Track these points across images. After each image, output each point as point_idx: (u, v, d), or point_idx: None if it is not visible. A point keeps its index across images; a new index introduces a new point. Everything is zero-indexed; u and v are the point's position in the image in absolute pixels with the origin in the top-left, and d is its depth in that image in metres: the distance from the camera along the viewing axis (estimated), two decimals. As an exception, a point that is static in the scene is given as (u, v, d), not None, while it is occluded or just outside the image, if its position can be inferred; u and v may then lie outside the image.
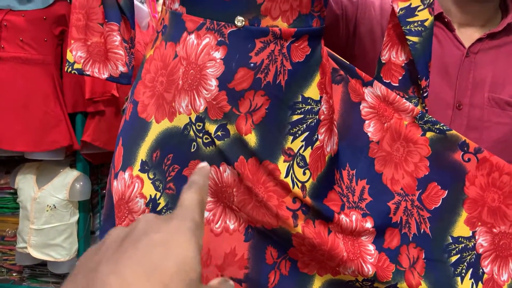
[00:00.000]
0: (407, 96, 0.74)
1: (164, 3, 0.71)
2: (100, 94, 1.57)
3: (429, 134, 0.72)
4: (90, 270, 0.25)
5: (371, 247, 0.70)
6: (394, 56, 0.74)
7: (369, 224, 0.70)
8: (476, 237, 0.71)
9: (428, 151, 0.72)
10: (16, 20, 1.51)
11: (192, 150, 0.66)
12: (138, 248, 0.25)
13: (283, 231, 0.66)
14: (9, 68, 1.51)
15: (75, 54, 0.84)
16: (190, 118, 0.65)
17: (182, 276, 0.24)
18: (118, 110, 1.67)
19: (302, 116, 0.67)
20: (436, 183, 0.72)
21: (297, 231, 0.66)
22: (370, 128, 0.74)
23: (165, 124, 0.67)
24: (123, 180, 0.69)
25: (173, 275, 0.24)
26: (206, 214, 0.67)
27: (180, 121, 0.66)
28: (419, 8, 0.71)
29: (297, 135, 0.67)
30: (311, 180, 0.67)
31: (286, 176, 0.65)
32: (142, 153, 0.68)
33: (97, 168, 1.84)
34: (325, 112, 0.69)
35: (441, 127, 0.71)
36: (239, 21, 0.62)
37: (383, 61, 0.75)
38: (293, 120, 0.67)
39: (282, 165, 0.66)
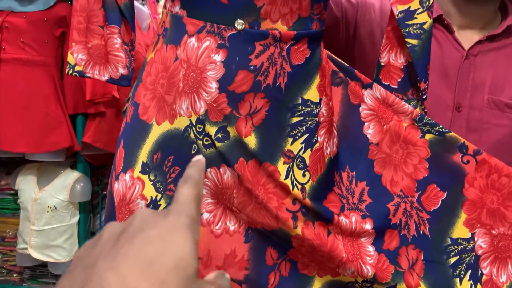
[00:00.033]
0: (406, 98, 0.74)
1: (165, 6, 0.71)
2: (100, 96, 1.57)
3: (428, 136, 0.72)
4: (87, 266, 0.25)
5: (371, 248, 0.71)
6: (393, 59, 0.74)
7: (368, 226, 0.71)
8: (475, 239, 0.72)
9: (427, 153, 0.72)
10: (17, 22, 1.51)
11: (193, 152, 0.67)
12: (135, 244, 0.25)
13: (283, 232, 0.67)
14: (10, 69, 1.52)
15: (76, 57, 0.84)
16: (190, 120, 0.66)
17: (179, 272, 0.24)
18: (118, 111, 1.67)
19: (301, 118, 0.67)
20: (435, 185, 0.72)
21: (296, 233, 0.66)
22: (370, 130, 0.75)
23: (166, 126, 0.67)
24: (124, 181, 0.69)
25: (170, 271, 0.24)
26: (207, 215, 0.68)
27: (181, 123, 0.66)
28: (418, 11, 0.71)
29: (297, 137, 0.67)
30: (310, 182, 0.68)
31: (286, 178, 0.66)
32: (143, 155, 0.69)
33: (98, 169, 1.84)
34: (325, 114, 0.70)
35: (440, 129, 0.71)
36: (239, 24, 0.63)
37: (382, 64, 0.75)
38: (293, 122, 0.67)
39: (282, 167, 0.66)
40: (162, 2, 2.15)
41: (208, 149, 0.66)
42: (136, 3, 1.60)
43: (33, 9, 1.53)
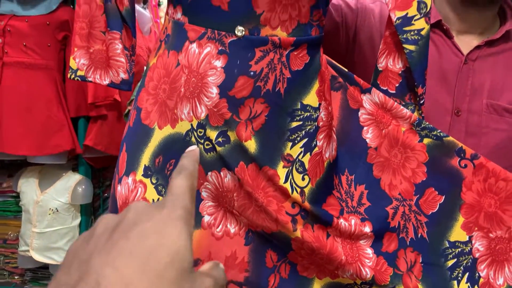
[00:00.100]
0: (403, 103, 0.75)
1: (167, 13, 0.72)
2: (102, 99, 1.58)
3: (426, 141, 0.73)
4: (82, 261, 0.25)
5: (370, 251, 0.71)
6: (391, 64, 0.75)
7: (367, 229, 0.71)
8: (473, 242, 0.72)
9: (425, 157, 0.73)
10: (19, 26, 1.52)
11: (194, 156, 0.67)
12: (130, 238, 0.25)
13: (283, 235, 0.68)
14: (13, 73, 1.52)
15: (78, 62, 0.86)
16: (191, 124, 0.67)
17: (176, 265, 0.24)
18: (120, 114, 1.68)
19: (301, 122, 0.68)
20: (433, 189, 0.73)
21: (296, 235, 0.67)
22: (369, 135, 0.75)
23: (168, 130, 0.68)
24: (127, 184, 0.70)
25: (166, 264, 0.24)
26: (208, 218, 0.69)
27: (182, 127, 0.67)
28: (415, 18, 0.72)
29: (296, 141, 0.68)
30: (310, 185, 0.69)
31: (285, 181, 0.67)
32: (145, 159, 0.70)
33: (99, 172, 1.84)
34: (324, 119, 0.71)
35: (438, 134, 0.72)
36: (239, 30, 0.64)
37: (380, 69, 0.76)
38: (292, 126, 0.68)
39: (281, 171, 0.67)
40: (163, 6, 2.16)
41: (209, 153, 0.67)
42: (137, 7, 1.61)
43: (36, 13, 1.54)
